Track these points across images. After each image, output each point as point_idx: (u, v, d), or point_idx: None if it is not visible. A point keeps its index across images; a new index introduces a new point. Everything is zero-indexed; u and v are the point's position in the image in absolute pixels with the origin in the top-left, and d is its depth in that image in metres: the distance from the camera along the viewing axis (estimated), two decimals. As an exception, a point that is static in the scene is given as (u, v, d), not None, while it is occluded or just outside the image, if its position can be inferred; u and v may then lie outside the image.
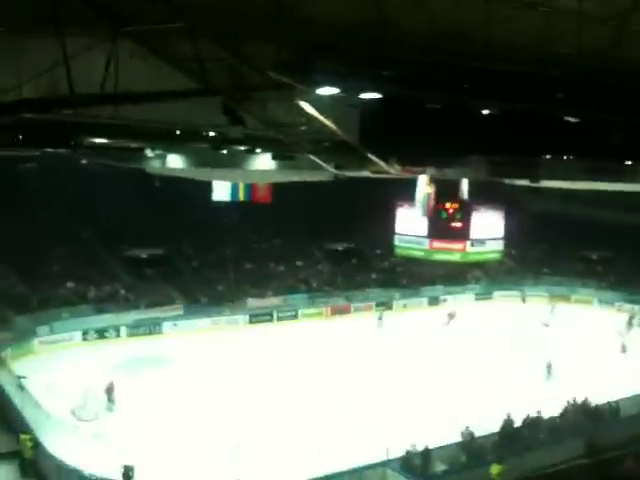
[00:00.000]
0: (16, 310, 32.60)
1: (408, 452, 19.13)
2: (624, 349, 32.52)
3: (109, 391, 24.24)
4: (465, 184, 22.20)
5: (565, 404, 23.04)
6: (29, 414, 21.12)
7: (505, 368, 29.27)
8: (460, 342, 33.45)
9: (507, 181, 22.05)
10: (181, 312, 37.77)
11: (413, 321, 39.16)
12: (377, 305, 42.71)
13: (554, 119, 12.53)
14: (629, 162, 17.41)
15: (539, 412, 21.86)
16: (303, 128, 13.62)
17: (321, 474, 18.23)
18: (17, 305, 33.06)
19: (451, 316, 33.52)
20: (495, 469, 17.82)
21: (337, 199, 41.05)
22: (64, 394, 24.07)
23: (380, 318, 38.58)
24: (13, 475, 18.85)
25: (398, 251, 25.87)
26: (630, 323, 39.66)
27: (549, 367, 28.05)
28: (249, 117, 11.53)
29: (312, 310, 41.00)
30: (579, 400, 23.24)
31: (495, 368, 29.41)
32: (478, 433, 20.54)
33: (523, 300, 43.83)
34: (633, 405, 23.79)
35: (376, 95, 10.08)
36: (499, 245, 25.01)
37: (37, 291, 34.99)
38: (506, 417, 21.40)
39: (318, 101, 10.86)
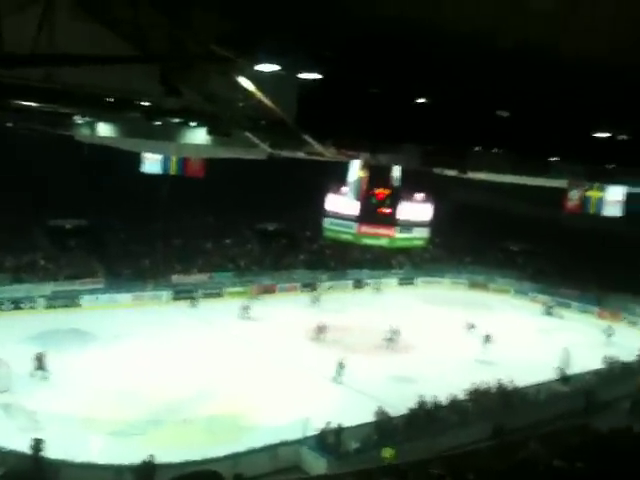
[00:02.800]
0: None
1: (322, 430, 19.58)
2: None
3: (39, 360, 23.68)
4: (397, 171, 22.49)
5: (476, 387, 24.04)
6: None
7: (425, 351, 30.21)
8: (382, 324, 34.21)
9: (437, 170, 22.48)
10: (102, 285, 36.97)
11: (341, 302, 39.83)
12: (303, 286, 43.12)
13: (486, 112, 12.87)
14: (554, 158, 18.11)
15: (451, 394, 22.74)
16: (241, 104, 13.48)
17: (237, 450, 18.44)
18: None
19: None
20: (387, 452, 18.38)
21: (270, 179, 40.91)
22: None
23: (315, 299, 40.19)
24: None
25: (327, 234, 25.95)
26: (548, 313, 41.71)
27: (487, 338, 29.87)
28: (186, 89, 11.32)
29: (237, 289, 40.91)
30: (491, 384, 24.29)
31: (415, 350, 30.35)
32: (392, 413, 21.21)
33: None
34: (541, 391, 25.09)
35: (315, 75, 10.10)
36: (425, 232, 25.52)
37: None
38: (419, 399, 22.12)
39: (258, 77, 10.77)
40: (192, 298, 37.90)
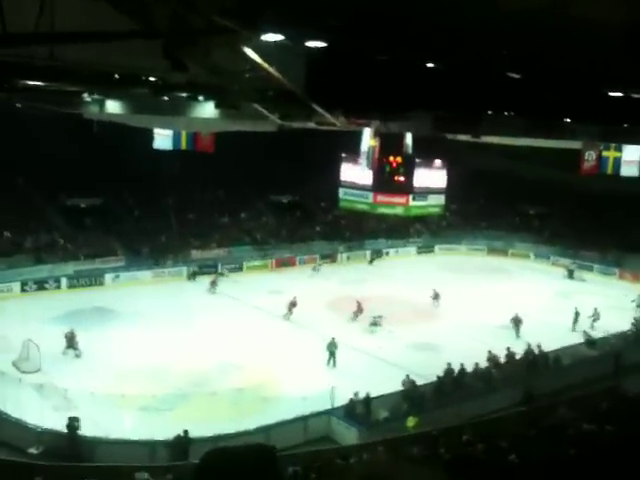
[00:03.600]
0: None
1: (351, 400, 19.71)
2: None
3: (70, 339, 24.12)
4: (409, 138, 22.28)
5: (504, 353, 24.04)
6: (-32, 366, 20.80)
7: (447, 318, 30.24)
8: (408, 293, 34.21)
9: (449, 136, 22.25)
10: (123, 263, 37.27)
11: (357, 272, 39.88)
12: (321, 257, 43.19)
13: (498, 75, 12.65)
14: (568, 120, 17.83)
15: (477, 363, 22.76)
16: (247, 76, 13.35)
17: (267, 422, 18.68)
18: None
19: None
20: (411, 422, 18.49)
21: (282, 151, 40.75)
22: (5, 346, 23.76)
23: (316, 269, 40.24)
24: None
25: (342, 204, 25.92)
26: (571, 276, 41.40)
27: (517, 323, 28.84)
28: (192, 63, 11.22)
29: (257, 262, 41.06)
30: (518, 350, 24.26)
31: (442, 318, 30.40)
32: (419, 382, 21.32)
33: None
34: (568, 356, 25.02)
35: (322, 44, 9.96)
36: (441, 199, 25.37)
37: (-29, 240, 33.89)
38: (446, 366, 22.18)
39: (263, 48, 10.65)
40: (220, 273, 37.92)
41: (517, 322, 28.54)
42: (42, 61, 10.47)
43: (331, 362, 24.35)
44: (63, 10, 8.32)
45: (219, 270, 38.11)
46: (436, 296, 32.68)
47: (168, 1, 8.85)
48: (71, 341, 24.18)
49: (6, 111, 26.11)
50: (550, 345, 24.77)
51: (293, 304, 30.51)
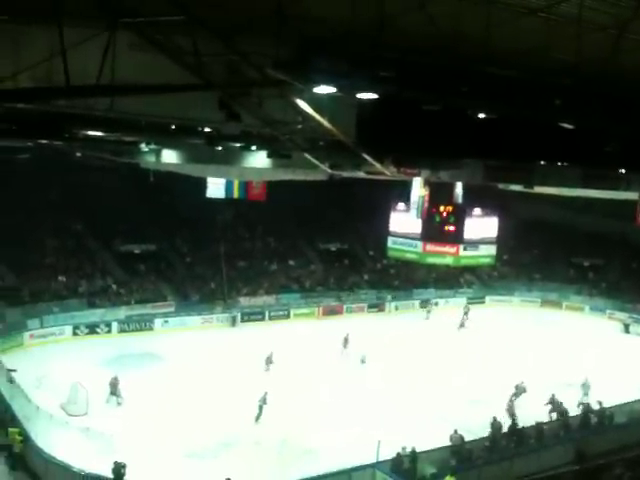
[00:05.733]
0: (7, 302, 32.47)
1: (398, 454, 19.21)
2: None
3: (114, 385, 24.23)
4: (459, 187, 22.20)
5: (554, 409, 23.19)
6: (18, 408, 21.09)
7: (498, 372, 29.42)
8: (452, 346, 33.55)
9: (501, 186, 22.07)
10: (172, 309, 37.71)
11: (407, 322, 39.34)
12: (370, 307, 42.83)
13: (550, 125, 12.54)
14: (623, 170, 17.46)
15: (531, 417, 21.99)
16: (299, 126, 13.58)
17: (311, 474, 18.32)
18: (8, 297, 32.93)
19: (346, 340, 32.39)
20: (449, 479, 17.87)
21: (331, 199, 41.07)
22: (54, 389, 24.05)
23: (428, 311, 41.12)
24: (2, 468, 18.79)
25: (391, 253, 25.86)
26: (627, 330, 39.99)
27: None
28: (245, 114, 11.49)
29: (304, 310, 41.01)
30: (570, 406, 23.38)
31: (487, 372, 29.58)
32: (467, 437, 20.67)
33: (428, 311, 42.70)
34: (623, 413, 23.96)
35: (373, 95, 10.07)
36: (492, 249, 25.03)
37: (28, 284, 34.84)
38: (493, 421, 21.50)
39: (315, 99, 10.83)
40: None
41: (586, 387, 26.62)
42: (102, 112, 10.87)
43: (258, 416, 23.21)
44: (123, 63, 8.66)
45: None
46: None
47: (223, 54, 9.14)
48: (114, 387, 24.26)
49: (67, 160, 27.18)
50: (608, 401, 23.76)
51: (346, 340, 31.06)
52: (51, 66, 8.23)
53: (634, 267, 45.19)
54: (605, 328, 40.47)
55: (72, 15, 7.55)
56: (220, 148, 17.24)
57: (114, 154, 21.64)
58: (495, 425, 21.35)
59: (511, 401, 23.93)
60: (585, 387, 26.72)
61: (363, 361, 30.33)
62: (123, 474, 17.62)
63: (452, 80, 9.07)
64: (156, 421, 22.26)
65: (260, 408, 23.33)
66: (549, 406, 23.91)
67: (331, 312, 41.52)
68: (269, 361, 29.13)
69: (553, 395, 23.77)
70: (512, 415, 23.03)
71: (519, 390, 25.83)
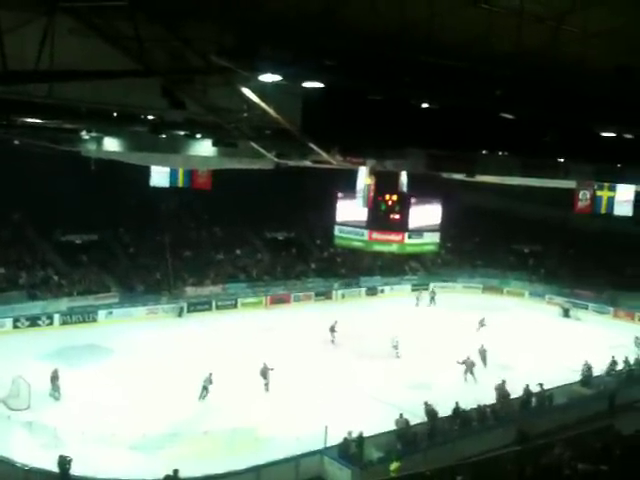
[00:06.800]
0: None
1: (345, 439, 19.43)
2: None
3: (54, 379, 23.70)
4: (404, 176, 22.45)
5: (497, 392, 23.84)
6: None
7: (442, 356, 30.04)
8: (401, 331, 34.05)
9: (444, 175, 22.42)
10: (116, 300, 37.08)
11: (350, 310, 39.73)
12: (317, 295, 43.10)
13: (491, 115, 12.80)
14: (561, 159, 17.98)
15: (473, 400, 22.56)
16: (245, 115, 13.51)
17: (259, 462, 18.37)
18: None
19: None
20: (393, 465, 18.23)
21: (278, 188, 40.98)
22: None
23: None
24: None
25: (338, 241, 26.00)
26: (566, 315, 41.39)
27: (483, 355, 28.86)
28: (189, 101, 11.35)
29: (252, 299, 40.94)
30: (512, 389, 24.06)
31: (431, 355, 30.18)
32: (413, 421, 21.07)
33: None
34: (563, 394, 24.84)
35: (318, 84, 10.09)
36: (436, 237, 25.44)
37: (-35, 276, 33.73)
38: (425, 406, 21.88)
39: (260, 88, 10.79)
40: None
41: (483, 353, 28.90)
42: (41, 98, 10.58)
43: (203, 395, 23.98)
44: (62, 48, 8.44)
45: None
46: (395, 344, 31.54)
47: (166, 40, 9.01)
48: (54, 381, 23.73)
49: (4, 147, 26.25)
50: (545, 384, 24.57)
51: (333, 328, 32.33)
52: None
53: (572, 253, 46.75)
54: (545, 312, 41.83)
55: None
56: (164, 136, 16.98)
57: (54, 142, 21.02)
58: (427, 409, 21.79)
59: (501, 384, 24.28)
60: (481, 352, 28.77)
61: (396, 347, 30.89)
62: (68, 468, 17.32)
63: (395, 70, 9.16)
64: (101, 414, 21.90)
65: (205, 389, 23.72)
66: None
67: (279, 301, 41.60)
68: (332, 330, 31.94)
69: (503, 381, 24.31)
70: (503, 396, 23.55)
71: (468, 365, 27.16)
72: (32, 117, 14.83)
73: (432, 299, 43.20)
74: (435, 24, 8.56)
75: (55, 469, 17.30)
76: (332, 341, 32.42)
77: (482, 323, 34.59)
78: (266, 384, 25.07)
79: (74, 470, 17.36)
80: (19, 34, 7.93)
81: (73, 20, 8.10)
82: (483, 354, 28.90)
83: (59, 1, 7.45)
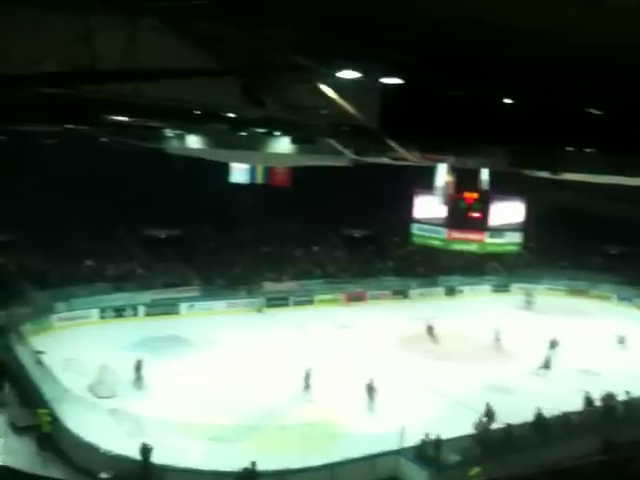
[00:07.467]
0: (35, 285, 33.01)
1: (422, 441, 19.20)
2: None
3: (137, 369, 24.52)
4: (485, 174, 21.94)
5: (583, 400, 22.97)
6: (47, 389, 21.49)
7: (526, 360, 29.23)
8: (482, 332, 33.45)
9: (527, 172, 21.77)
10: (198, 293, 38.04)
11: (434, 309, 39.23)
12: (394, 293, 42.77)
13: (578, 111, 12.32)
14: (653, 157, 17.10)
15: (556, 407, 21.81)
16: (323, 112, 13.53)
17: (335, 459, 18.46)
18: (36, 280, 33.48)
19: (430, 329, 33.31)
20: (474, 470, 17.80)
21: (355, 185, 40.92)
22: (82, 370, 24.38)
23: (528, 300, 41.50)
24: (31, 448, 19.15)
25: (415, 239, 25.71)
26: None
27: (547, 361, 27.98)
28: (269, 99, 11.48)
29: (328, 296, 41.08)
30: (597, 396, 23.14)
31: (515, 359, 29.42)
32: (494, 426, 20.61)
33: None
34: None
35: (397, 80, 9.98)
36: (518, 237, 24.76)
37: (56, 267, 35.40)
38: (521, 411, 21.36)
39: (339, 84, 10.78)
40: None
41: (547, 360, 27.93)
42: (127, 97, 10.93)
43: (305, 388, 24.04)
44: (147, 48, 8.68)
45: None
46: (497, 337, 31.94)
47: (246, 39, 9.12)
48: (138, 371, 24.54)
49: (93, 145, 27.46)
50: (635, 391, 23.47)
51: (430, 328, 32.12)
52: (76, 51, 8.28)
53: (664, 256, 44.42)
54: (633, 318, 39.91)
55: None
56: (244, 134, 17.27)
57: (140, 139, 21.80)
58: (488, 409, 21.45)
59: (585, 391, 23.54)
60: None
61: (498, 339, 31.40)
62: (149, 454, 17.88)
63: (476, 66, 8.94)
64: (182, 404, 22.52)
65: (306, 383, 24.12)
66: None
67: (355, 298, 41.53)
68: (430, 329, 32.05)
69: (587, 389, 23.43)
70: (588, 403, 22.93)
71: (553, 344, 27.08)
72: (119, 115, 15.38)
73: (529, 301, 41.96)
74: (517, 17, 8.28)
75: (137, 457, 17.88)
76: (433, 341, 32.25)
77: (554, 344, 32.78)
78: (371, 401, 23.38)
79: (154, 458, 17.92)
80: (107, 35, 8.20)
81: (158, 20, 8.31)
82: (547, 361, 27.84)
83: (145, 1, 7.65)
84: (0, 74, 8.14)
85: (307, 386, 24.10)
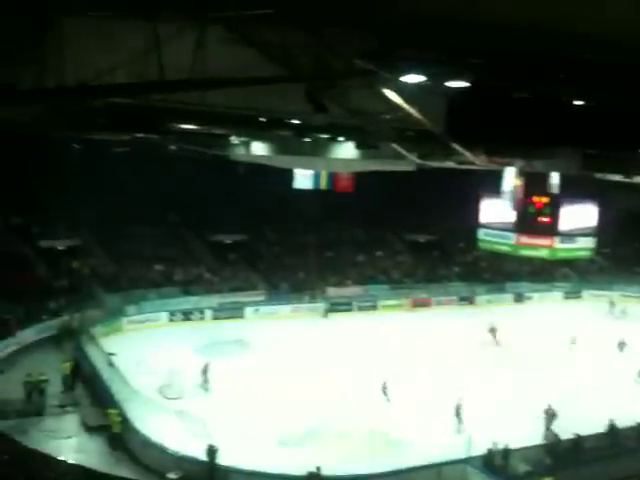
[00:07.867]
0: (106, 289, 34.13)
1: (490, 450, 18.79)
2: None
3: (204, 371, 24.88)
4: (555, 177, 21.29)
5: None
6: (117, 390, 22.09)
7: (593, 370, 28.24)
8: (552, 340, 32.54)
9: (599, 175, 21.04)
10: (263, 298, 38.46)
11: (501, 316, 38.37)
12: (460, 299, 42.09)
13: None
14: None
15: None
16: (387, 117, 13.44)
17: (400, 467, 18.28)
18: (107, 284, 34.61)
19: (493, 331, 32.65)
20: None
21: (420, 189, 40.48)
22: (151, 372, 24.95)
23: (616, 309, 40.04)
24: (103, 448, 19.80)
25: (482, 245, 25.14)
26: None
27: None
28: (333, 105, 11.49)
29: (392, 302, 40.78)
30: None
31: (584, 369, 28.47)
32: (564, 436, 19.97)
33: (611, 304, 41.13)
34: None
35: (463, 83, 9.82)
36: (590, 242, 23.90)
37: (126, 272, 36.49)
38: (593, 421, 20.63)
39: (403, 89, 10.68)
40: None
41: None
42: (194, 106, 11.15)
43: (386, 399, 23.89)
44: (213, 57, 8.84)
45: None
46: (573, 341, 31.37)
47: (310, 46, 9.15)
48: (205, 374, 24.85)
49: (161, 153, 28.12)
50: None
51: (493, 330, 31.89)
52: (145, 61, 8.50)
53: None
54: None
55: (165, 9, 7.75)
56: (308, 140, 17.34)
57: (206, 146, 22.20)
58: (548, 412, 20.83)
59: None
60: None
61: (573, 342, 31.33)
62: (215, 456, 18.13)
63: (543, 67, 8.70)
64: (246, 407, 22.72)
65: (384, 393, 24.07)
66: None
67: (420, 304, 41.05)
68: (493, 331, 31.90)
69: None
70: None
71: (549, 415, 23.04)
72: (186, 123, 15.71)
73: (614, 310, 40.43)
74: (586, 19, 8.00)
75: (204, 458, 18.14)
76: (496, 343, 32.08)
77: (573, 341, 31.72)
78: (459, 422, 22.13)
79: (220, 460, 18.15)
80: (174, 45, 8.38)
81: (223, 29, 8.45)
82: None
83: (209, 12, 7.79)
84: (75, 86, 8.43)
85: (387, 399, 24.02)
